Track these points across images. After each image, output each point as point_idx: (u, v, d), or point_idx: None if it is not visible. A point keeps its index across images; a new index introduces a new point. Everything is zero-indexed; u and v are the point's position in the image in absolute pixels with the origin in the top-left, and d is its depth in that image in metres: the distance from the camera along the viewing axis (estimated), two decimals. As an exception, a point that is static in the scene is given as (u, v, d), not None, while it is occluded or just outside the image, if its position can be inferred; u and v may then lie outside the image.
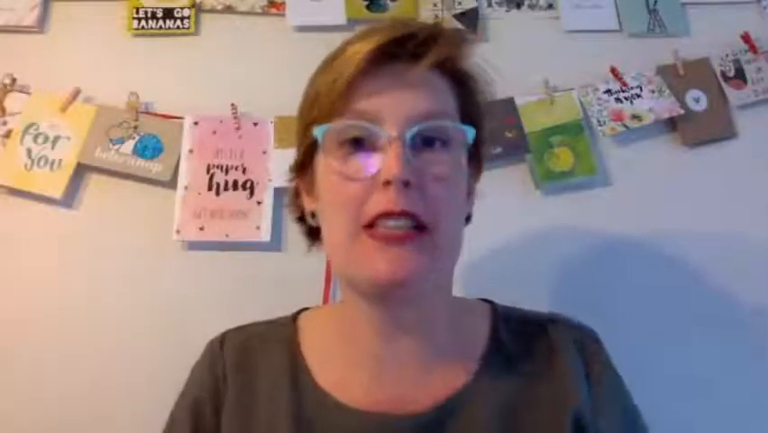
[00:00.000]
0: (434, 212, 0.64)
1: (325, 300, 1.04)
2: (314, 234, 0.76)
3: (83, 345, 1.04)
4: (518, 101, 1.12)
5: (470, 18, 1.16)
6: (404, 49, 0.65)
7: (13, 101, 1.07)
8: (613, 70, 1.15)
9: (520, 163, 1.12)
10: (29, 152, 1.06)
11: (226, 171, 1.08)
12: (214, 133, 1.08)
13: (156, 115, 1.09)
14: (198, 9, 1.14)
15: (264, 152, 1.08)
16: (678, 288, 1.09)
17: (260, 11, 1.14)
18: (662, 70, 1.16)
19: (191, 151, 1.08)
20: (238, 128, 1.09)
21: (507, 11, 1.18)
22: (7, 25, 1.10)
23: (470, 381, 0.70)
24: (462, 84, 0.70)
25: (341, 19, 1.13)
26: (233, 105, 1.09)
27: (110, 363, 1.03)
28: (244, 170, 1.08)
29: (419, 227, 0.63)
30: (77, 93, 1.08)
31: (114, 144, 1.07)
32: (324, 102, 0.66)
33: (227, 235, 1.06)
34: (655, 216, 1.11)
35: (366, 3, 1.15)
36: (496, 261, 1.08)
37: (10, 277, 1.05)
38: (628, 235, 1.10)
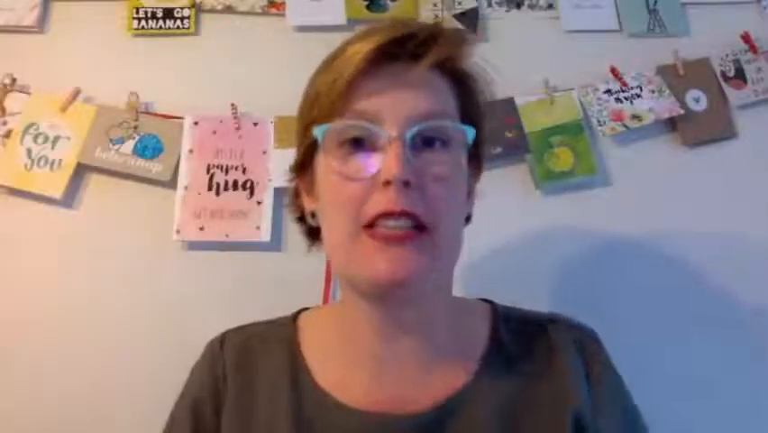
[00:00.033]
0: (434, 212, 0.63)
1: (325, 300, 1.04)
2: (314, 234, 0.76)
3: (83, 345, 1.04)
4: (518, 101, 1.12)
5: (470, 18, 1.16)
6: (404, 49, 0.65)
7: (13, 101, 1.07)
8: (613, 70, 1.15)
9: (520, 163, 1.12)
10: (29, 151, 1.06)
11: (226, 171, 1.08)
12: (214, 133, 1.08)
13: (156, 115, 1.09)
14: (198, 9, 1.14)
15: (264, 152, 1.08)
16: (678, 288, 1.09)
17: (260, 11, 1.14)
18: (662, 70, 1.16)
19: (191, 151, 1.08)
20: (238, 128, 1.09)
21: (507, 11, 1.18)
22: (7, 25, 1.10)
23: (470, 381, 0.70)
24: (462, 84, 0.70)
25: (341, 19, 1.13)
26: (233, 105, 1.09)
27: (110, 363, 1.03)
28: (244, 170, 1.08)
29: (419, 227, 0.63)
30: (77, 93, 1.08)
31: (114, 144, 1.07)
32: (324, 102, 0.66)
33: (227, 235, 1.06)
34: (655, 216, 1.11)
35: (366, 3, 1.15)
36: (496, 261, 1.08)
37: (10, 277, 1.05)
38: (628, 235, 1.10)
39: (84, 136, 1.06)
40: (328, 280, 1.04)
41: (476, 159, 0.73)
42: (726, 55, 1.17)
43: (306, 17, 1.13)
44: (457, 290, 0.76)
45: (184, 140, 1.08)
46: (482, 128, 0.71)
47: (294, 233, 0.86)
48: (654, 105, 1.13)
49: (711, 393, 1.04)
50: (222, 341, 0.78)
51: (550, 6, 1.19)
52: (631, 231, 1.10)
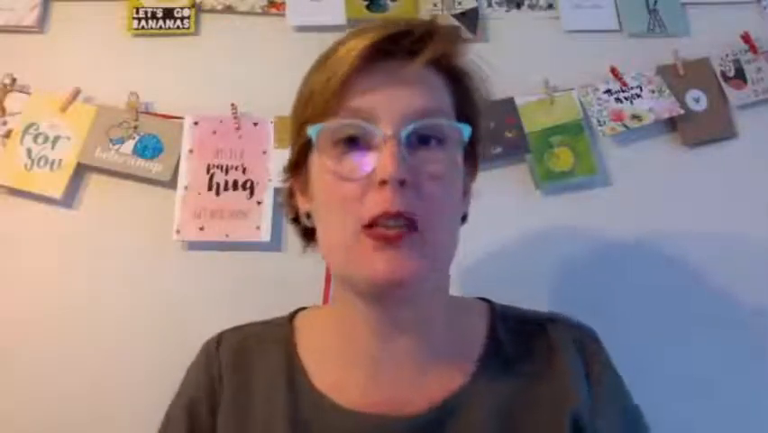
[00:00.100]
0: (430, 211, 0.63)
1: (325, 300, 1.04)
2: (308, 234, 0.75)
3: (83, 345, 1.03)
4: (518, 101, 1.12)
5: (470, 18, 1.16)
6: (399, 46, 0.64)
7: (13, 101, 1.07)
8: (613, 70, 1.15)
9: (520, 163, 1.12)
10: (29, 152, 1.06)
11: (226, 171, 1.08)
12: (214, 133, 1.08)
13: (156, 115, 1.09)
14: (198, 9, 1.14)
15: (264, 152, 1.08)
16: (678, 288, 1.09)
17: (260, 11, 1.14)
18: (662, 70, 1.16)
19: (191, 151, 1.08)
20: (238, 128, 1.09)
21: (507, 11, 1.18)
22: (7, 25, 1.10)
23: (467, 382, 0.70)
24: (458, 81, 0.70)
25: (341, 19, 1.13)
26: (233, 105, 1.09)
27: (110, 363, 1.03)
28: (244, 170, 1.08)
29: (413, 226, 0.62)
30: (77, 93, 1.08)
31: (114, 144, 1.07)
32: (318, 100, 0.65)
33: (227, 235, 1.06)
34: (655, 216, 1.11)
35: (366, 3, 1.15)
36: (496, 261, 1.08)
37: (10, 277, 1.05)
38: (628, 235, 1.10)
39: (84, 136, 1.06)
40: (328, 280, 1.04)
41: (472, 157, 0.72)
42: (726, 55, 1.17)
43: (305, 17, 1.13)
44: (457, 290, 0.76)
45: (184, 140, 1.08)
46: (478, 126, 0.71)
47: (294, 233, 0.86)
48: (654, 105, 1.13)
49: (711, 393, 1.04)
50: (218, 341, 0.78)
51: (550, 6, 1.19)
52: (631, 231, 1.10)
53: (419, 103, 0.64)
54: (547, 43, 1.17)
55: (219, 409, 0.73)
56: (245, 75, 1.12)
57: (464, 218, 0.74)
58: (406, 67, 0.64)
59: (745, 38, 1.17)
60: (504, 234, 1.09)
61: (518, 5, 1.19)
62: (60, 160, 1.06)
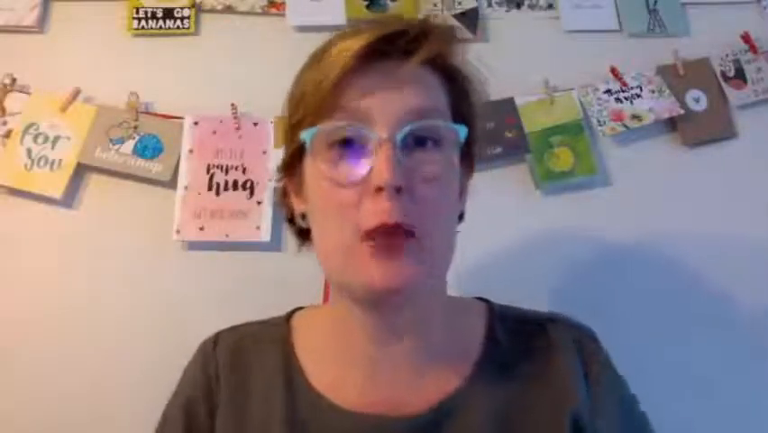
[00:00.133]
0: (426, 217, 0.62)
1: (325, 300, 1.04)
2: (304, 234, 0.75)
3: (83, 345, 1.04)
4: (518, 101, 1.12)
5: (470, 18, 1.16)
6: (394, 46, 0.64)
7: (13, 101, 1.07)
8: (613, 70, 1.15)
9: (520, 163, 1.12)
10: (29, 152, 1.06)
11: (226, 171, 1.08)
12: (214, 133, 1.08)
13: (156, 115, 1.09)
14: (198, 9, 1.14)
15: (264, 152, 1.08)
16: (678, 288, 1.09)
17: (260, 11, 1.14)
18: (662, 70, 1.16)
19: (191, 151, 1.08)
20: (238, 128, 1.09)
21: (507, 11, 1.18)
22: (7, 25, 1.10)
23: (465, 382, 0.70)
24: (454, 80, 0.69)
25: (341, 19, 1.13)
26: (232, 105, 1.09)
27: (110, 363, 1.03)
28: (244, 170, 1.08)
29: (410, 233, 0.61)
30: (77, 93, 1.08)
31: (114, 144, 1.07)
32: (312, 102, 0.64)
33: (227, 235, 1.06)
34: (655, 216, 1.11)
35: (366, 3, 1.15)
36: (495, 261, 1.08)
37: (10, 277, 1.05)
38: (628, 235, 1.10)
39: (84, 136, 1.06)
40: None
41: (468, 156, 0.72)
42: (726, 55, 1.17)
43: (306, 17, 1.13)
44: (456, 291, 0.76)
45: (184, 140, 1.08)
46: (475, 126, 0.70)
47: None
48: (654, 105, 1.13)
49: (711, 393, 1.04)
50: (215, 341, 0.77)
51: (550, 6, 1.19)
52: (631, 231, 1.10)
53: (415, 103, 0.63)
54: (547, 43, 1.17)
55: (216, 409, 0.73)
56: (245, 75, 1.12)
57: (461, 217, 0.73)
58: (402, 67, 0.63)
59: (745, 38, 1.17)
60: (504, 235, 1.09)
61: (518, 5, 1.19)
62: (60, 160, 1.06)
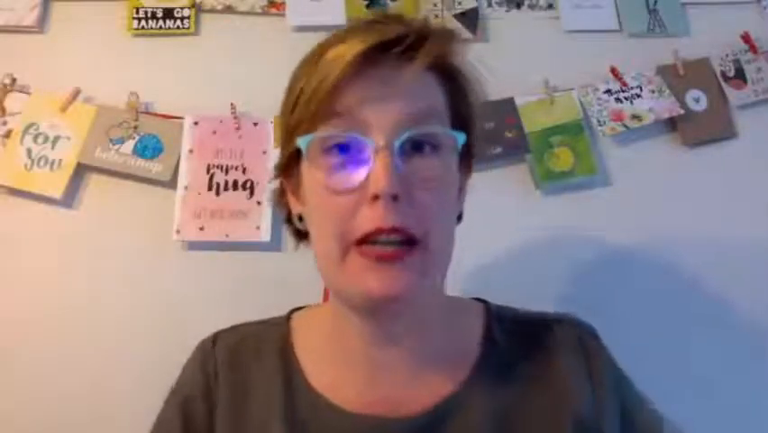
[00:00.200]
0: (425, 222, 0.61)
1: (325, 300, 1.03)
2: (301, 234, 0.74)
3: (83, 345, 1.04)
4: (518, 101, 1.12)
5: (470, 18, 1.16)
6: (391, 51, 0.63)
7: (13, 101, 1.07)
8: (613, 70, 1.15)
9: (520, 163, 1.12)
10: (29, 151, 1.06)
11: (226, 171, 1.08)
12: (214, 133, 1.09)
13: (156, 115, 1.09)
14: (198, 9, 1.14)
15: (264, 152, 1.08)
16: (677, 288, 1.09)
17: (260, 11, 1.14)
18: (662, 70, 1.16)
19: (191, 151, 1.08)
20: (238, 128, 1.09)
21: (507, 11, 1.18)
22: (7, 25, 1.11)
23: (464, 383, 0.70)
24: (453, 81, 0.68)
25: (341, 19, 1.13)
26: (232, 105, 1.09)
27: (110, 363, 1.03)
28: (244, 170, 1.08)
29: (410, 242, 0.61)
30: (77, 93, 1.08)
31: (114, 144, 1.07)
32: (308, 106, 0.63)
33: (227, 235, 1.06)
34: (655, 216, 1.11)
35: (366, 2, 1.15)
36: (495, 261, 1.08)
37: (10, 277, 1.05)
38: (628, 235, 1.10)
39: (84, 136, 1.06)
40: (328, 280, 1.04)
41: (467, 157, 0.71)
42: (726, 55, 1.17)
43: (305, 17, 1.13)
44: (456, 291, 0.76)
45: (184, 140, 1.08)
46: (474, 127, 0.69)
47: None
48: (654, 105, 1.13)
49: (711, 393, 1.04)
50: (214, 340, 0.77)
51: (550, 6, 1.19)
52: (631, 231, 1.10)
53: (412, 107, 0.62)
54: (547, 43, 1.17)
55: (215, 408, 0.72)
56: (245, 75, 1.12)
57: (459, 217, 0.73)
58: (399, 72, 0.62)
59: (745, 38, 1.17)
60: (504, 235, 1.09)
61: (518, 5, 1.19)
62: (60, 160, 1.06)
